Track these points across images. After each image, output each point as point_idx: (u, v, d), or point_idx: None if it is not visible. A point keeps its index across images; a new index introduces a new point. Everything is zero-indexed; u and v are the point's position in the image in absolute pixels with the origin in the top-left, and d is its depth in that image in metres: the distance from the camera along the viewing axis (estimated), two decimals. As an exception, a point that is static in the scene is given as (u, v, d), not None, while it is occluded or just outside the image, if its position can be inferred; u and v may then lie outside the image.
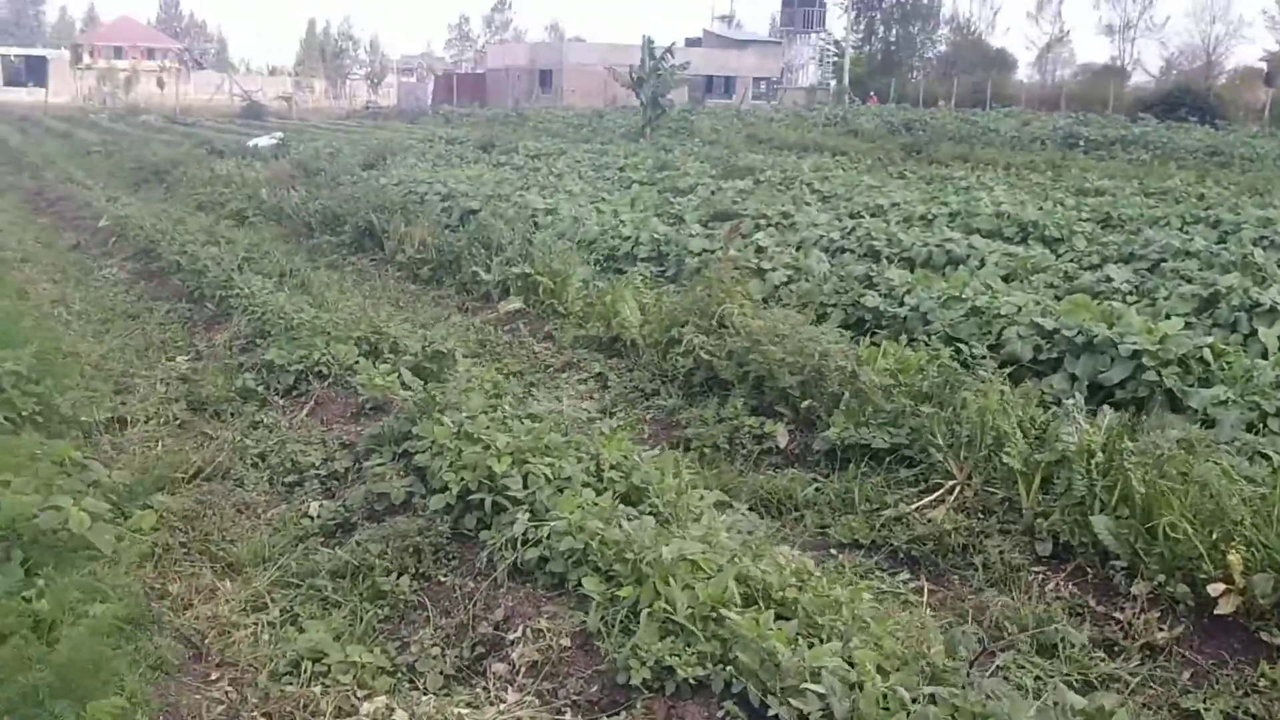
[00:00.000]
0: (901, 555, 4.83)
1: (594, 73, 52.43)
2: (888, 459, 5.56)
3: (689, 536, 3.93)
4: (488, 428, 4.87)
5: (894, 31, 78.50)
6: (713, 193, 15.24)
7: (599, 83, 50.28)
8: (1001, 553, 4.68)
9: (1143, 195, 15.63)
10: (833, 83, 66.27)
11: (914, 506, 5.09)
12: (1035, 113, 43.83)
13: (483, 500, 4.48)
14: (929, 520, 4.94)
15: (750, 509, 5.30)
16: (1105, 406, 5.40)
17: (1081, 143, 30.17)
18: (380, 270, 11.12)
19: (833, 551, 4.89)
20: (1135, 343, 6.34)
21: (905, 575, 4.65)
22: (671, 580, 3.61)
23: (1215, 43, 68.87)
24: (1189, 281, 8.78)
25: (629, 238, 11.16)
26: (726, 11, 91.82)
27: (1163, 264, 9.86)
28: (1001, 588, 4.49)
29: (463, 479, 4.58)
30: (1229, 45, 69.23)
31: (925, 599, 4.44)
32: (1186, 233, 11.53)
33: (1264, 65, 59.54)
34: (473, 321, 8.96)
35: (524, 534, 4.19)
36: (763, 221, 12.22)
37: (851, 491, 5.34)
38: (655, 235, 11.06)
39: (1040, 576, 4.54)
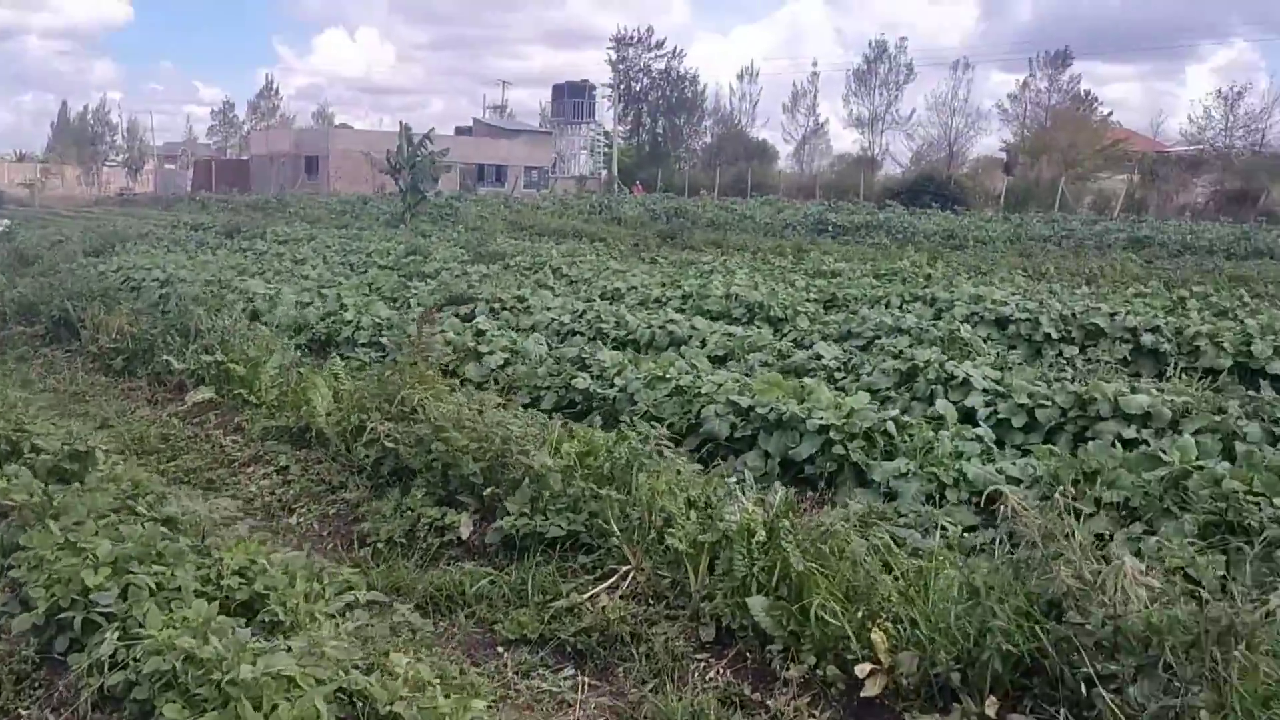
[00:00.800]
0: (569, 649, 4.55)
1: (360, 159, 51.64)
2: (565, 546, 5.29)
3: (294, 649, 3.50)
4: (96, 534, 4.30)
5: (660, 123, 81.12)
6: (456, 277, 14.94)
7: (366, 169, 49.52)
8: (667, 640, 4.45)
9: (873, 276, 16.24)
10: (604, 172, 67.80)
11: (586, 596, 4.82)
12: (791, 201, 45.86)
13: (73, 619, 3.91)
14: (600, 609, 4.68)
15: (417, 608, 4.91)
16: (777, 483, 5.31)
17: (830, 228, 31.51)
18: (71, 362, 10.20)
19: (499, 649, 4.57)
20: (822, 418, 6.35)
21: (570, 671, 4.37)
22: (259, 702, 3.17)
23: (956, 134, 73.90)
24: (896, 357, 9.01)
25: (350, 322, 10.68)
26: (499, 101, 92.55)
27: (876, 341, 10.15)
28: (663, 679, 4.25)
29: (53, 594, 3.99)
30: (969, 137, 74.40)
31: (581, 696, 4.15)
32: (903, 310, 11.97)
33: (1004, 155, 64.50)
34: (160, 414, 8.24)
35: (113, 655, 3.65)
36: (496, 305, 11.98)
37: (526, 583, 5.03)
38: (377, 319, 10.62)
39: (702, 664, 4.32)
